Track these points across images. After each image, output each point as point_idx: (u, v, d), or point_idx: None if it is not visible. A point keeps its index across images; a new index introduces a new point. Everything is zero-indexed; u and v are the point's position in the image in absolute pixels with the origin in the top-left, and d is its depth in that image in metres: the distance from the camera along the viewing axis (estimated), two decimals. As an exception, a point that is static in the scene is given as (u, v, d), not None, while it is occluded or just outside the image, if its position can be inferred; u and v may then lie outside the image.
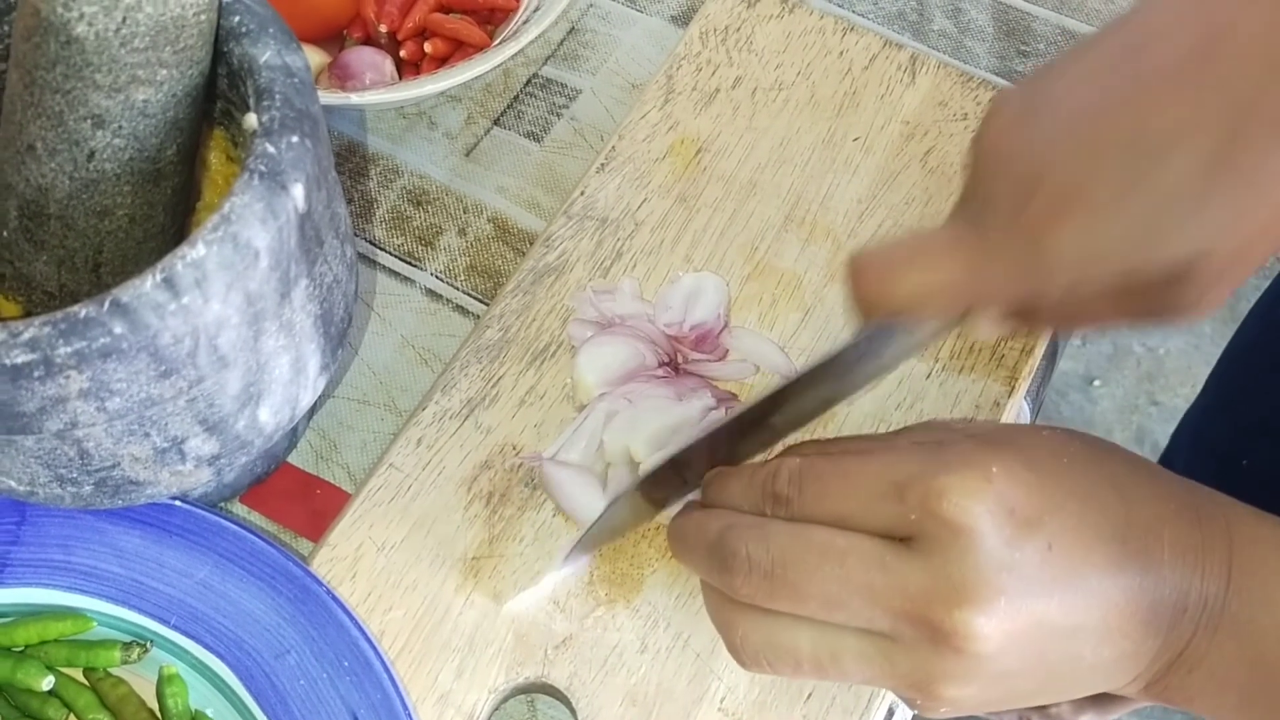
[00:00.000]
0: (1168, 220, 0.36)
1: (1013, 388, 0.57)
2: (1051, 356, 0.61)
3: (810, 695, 0.50)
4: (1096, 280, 0.37)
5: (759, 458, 0.47)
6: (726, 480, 0.44)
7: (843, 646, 0.39)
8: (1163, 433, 1.62)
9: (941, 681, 0.38)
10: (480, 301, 0.62)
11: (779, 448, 0.47)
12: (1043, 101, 0.38)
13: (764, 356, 0.58)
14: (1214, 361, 0.92)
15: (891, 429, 0.56)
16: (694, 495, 0.49)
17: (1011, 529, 0.37)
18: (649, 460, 0.54)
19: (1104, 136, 0.36)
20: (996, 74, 0.69)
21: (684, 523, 0.44)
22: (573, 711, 0.50)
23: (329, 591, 0.51)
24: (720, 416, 0.55)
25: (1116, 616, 0.38)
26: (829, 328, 0.59)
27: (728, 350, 0.58)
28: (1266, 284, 0.86)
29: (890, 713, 0.52)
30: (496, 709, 0.51)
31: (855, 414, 0.56)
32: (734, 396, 0.57)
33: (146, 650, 0.50)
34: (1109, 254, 0.36)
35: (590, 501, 0.53)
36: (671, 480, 0.48)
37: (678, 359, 0.58)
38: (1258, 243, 0.36)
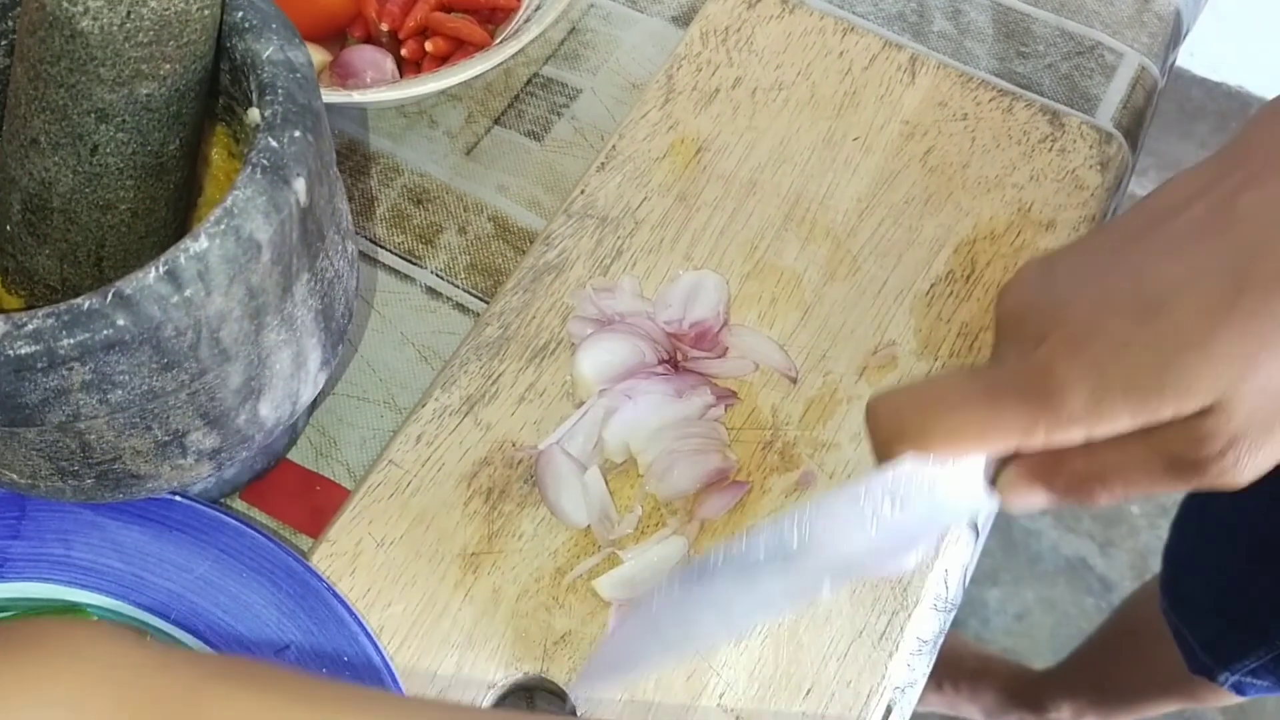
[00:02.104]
0: (1174, 362, 0.36)
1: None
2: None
3: (809, 691, 0.51)
4: (1111, 425, 0.37)
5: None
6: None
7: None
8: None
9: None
10: (480, 299, 0.62)
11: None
12: (1060, 268, 0.40)
13: (764, 354, 0.58)
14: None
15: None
16: None
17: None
18: None
19: (1113, 290, 0.38)
20: (996, 75, 0.70)
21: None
22: (573, 711, 0.51)
23: (329, 587, 0.51)
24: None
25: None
26: (828, 326, 0.59)
27: (727, 348, 0.58)
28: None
29: (888, 710, 0.52)
30: (496, 704, 0.51)
31: (855, 413, 0.57)
32: (733, 394, 0.57)
33: (146, 645, 0.50)
34: (1117, 393, 0.37)
35: (571, 507, 0.53)
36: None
37: (677, 356, 0.58)
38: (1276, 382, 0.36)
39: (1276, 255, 0.36)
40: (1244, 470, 0.37)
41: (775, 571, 0.42)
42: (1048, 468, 0.40)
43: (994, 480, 0.41)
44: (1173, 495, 1.50)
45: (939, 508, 0.41)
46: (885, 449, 0.41)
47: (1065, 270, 0.40)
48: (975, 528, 0.57)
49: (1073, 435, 0.38)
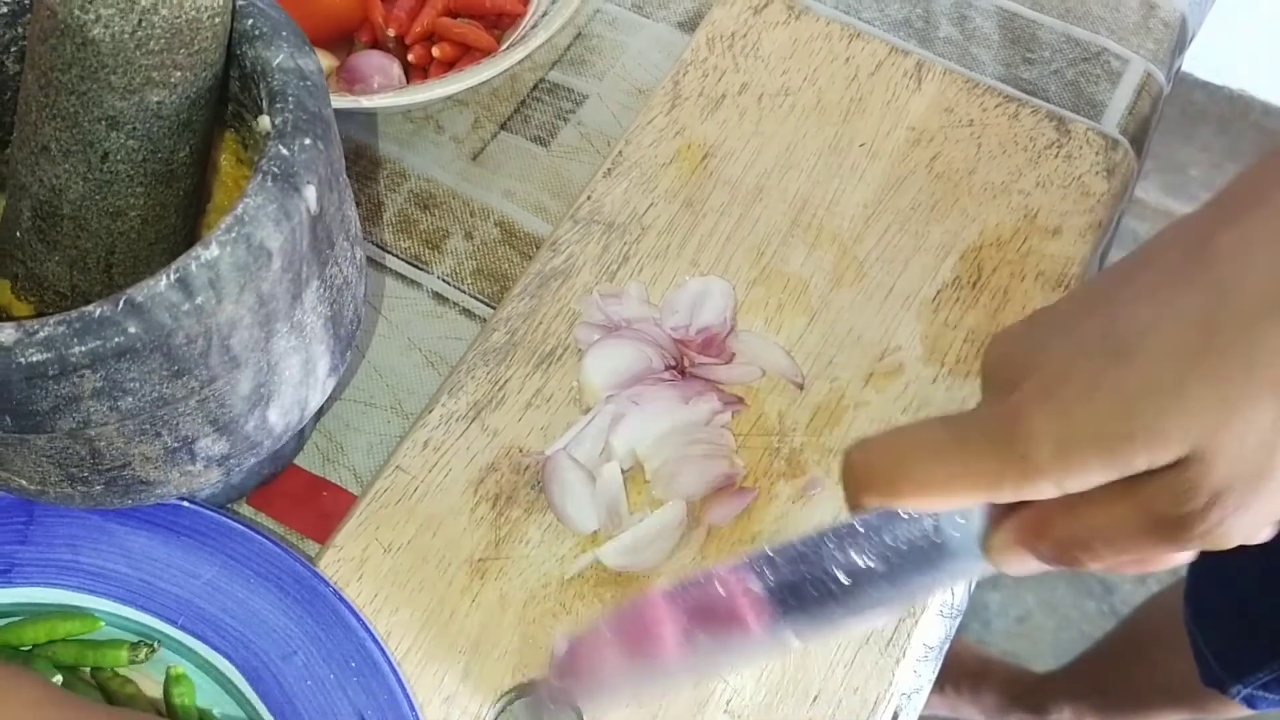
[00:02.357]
0: (1143, 407, 0.34)
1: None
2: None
3: (816, 697, 0.51)
4: (1081, 476, 0.35)
5: None
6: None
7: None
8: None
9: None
10: (487, 305, 0.62)
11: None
12: (1041, 319, 0.39)
13: (770, 360, 0.58)
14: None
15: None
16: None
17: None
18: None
19: (1086, 335, 0.36)
20: (1002, 81, 0.70)
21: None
22: (578, 714, 0.51)
23: (336, 592, 0.51)
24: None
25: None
26: (835, 332, 0.59)
27: (734, 354, 0.58)
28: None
29: (895, 716, 0.52)
30: (503, 711, 0.51)
31: (861, 419, 0.57)
32: (740, 400, 0.57)
33: (154, 650, 0.50)
34: (1085, 440, 0.35)
35: (578, 513, 0.54)
36: None
37: (684, 362, 0.58)
38: (1270, 456, 0.34)
39: (1248, 293, 0.34)
40: (1231, 530, 0.35)
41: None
42: (1034, 531, 0.38)
43: (984, 545, 0.39)
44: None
45: (916, 565, 0.40)
46: (855, 499, 0.39)
47: (1045, 320, 0.38)
48: None
49: (1041, 486, 0.36)
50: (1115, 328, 0.35)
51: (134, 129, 0.43)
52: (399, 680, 0.49)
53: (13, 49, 0.47)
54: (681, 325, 0.58)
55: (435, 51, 0.67)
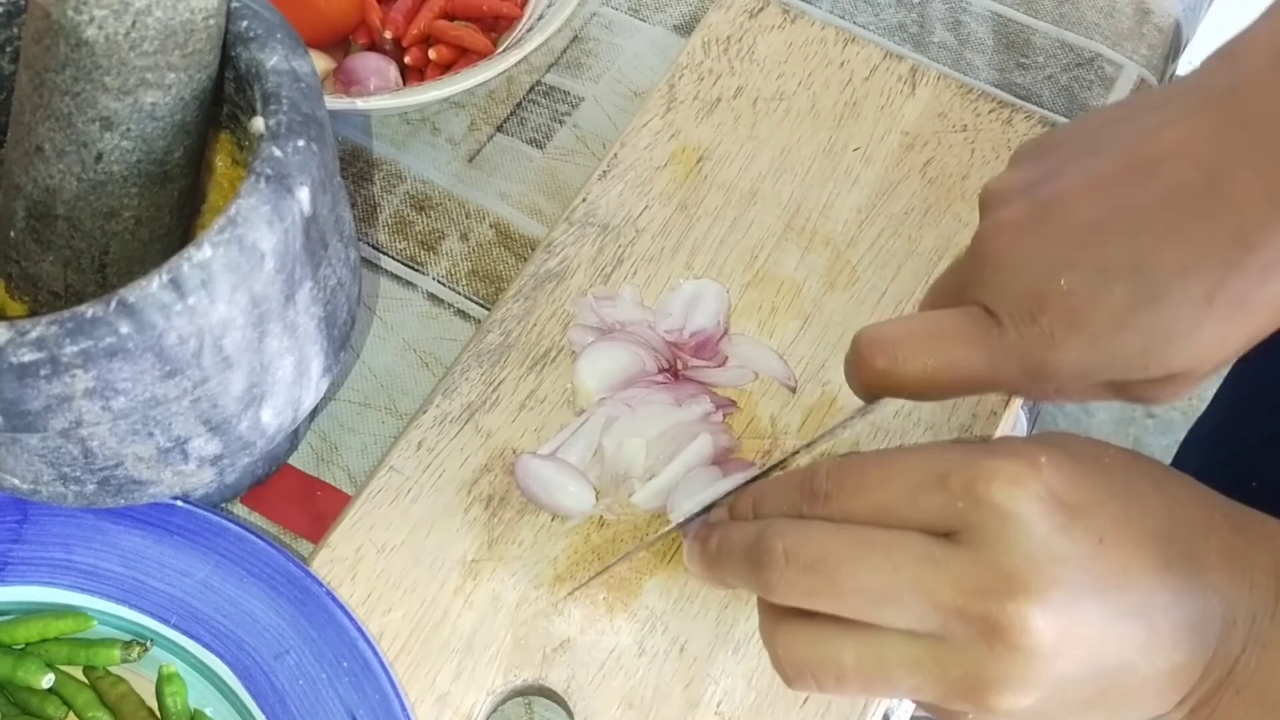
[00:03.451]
0: (1162, 345, 0.39)
1: (1009, 396, 0.57)
2: (1048, 367, 0.61)
3: (806, 700, 0.51)
4: (1091, 384, 0.41)
5: None
6: (762, 488, 0.44)
7: (889, 653, 0.38)
8: (1159, 445, 1.62)
9: (997, 688, 0.36)
10: (482, 306, 0.62)
11: None
12: (1053, 207, 0.41)
13: (763, 363, 0.58)
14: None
15: (889, 433, 0.57)
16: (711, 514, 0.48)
17: (1062, 518, 0.37)
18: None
19: (1112, 261, 0.39)
20: (996, 86, 0.70)
21: (712, 533, 0.44)
22: (570, 714, 0.51)
23: (329, 592, 0.51)
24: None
25: (1166, 622, 0.37)
26: (828, 336, 0.59)
27: (727, 357, 0.58)
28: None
29: (886, 716, 0.52)
30: (494, 711, 0.51)
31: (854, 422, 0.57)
32: (733, 403, 0.57)
33: (146, 649, 0.50)
34: (1106, 369, 0.40)
35: (572, 501, 0.54)
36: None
37: (677, 365, 0.58)
38: (1235, 354, 0.40)
39: (1266, 242, 0.38)
40: (1184, 397, 0.43)
41: None
42: (1012, 391, 0.46)
43: None
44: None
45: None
46: (876, 387, 0.43)
47: (1060, 215, 0.41)
48: None
49: (1055, 386, 0.42)
50: (1143, 264, 0.39)
51: (128, 130, 0.43)
52: (391, 680, 0.49)
53: (8, 49, 0.48)
54: (675, 328, 0.59)
55: (432, 54, 0.67)
